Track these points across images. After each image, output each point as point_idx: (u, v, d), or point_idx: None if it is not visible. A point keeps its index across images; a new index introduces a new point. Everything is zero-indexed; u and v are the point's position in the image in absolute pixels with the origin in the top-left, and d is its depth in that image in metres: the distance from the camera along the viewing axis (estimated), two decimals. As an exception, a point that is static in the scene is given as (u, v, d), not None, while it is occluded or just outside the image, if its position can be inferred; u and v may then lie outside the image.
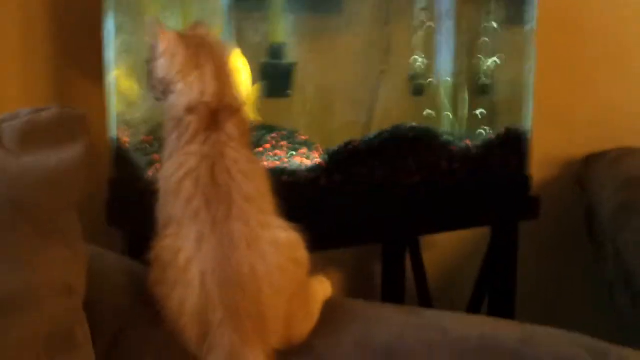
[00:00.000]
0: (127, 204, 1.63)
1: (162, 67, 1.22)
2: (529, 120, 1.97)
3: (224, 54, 1.29)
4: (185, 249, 1.08)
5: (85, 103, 1.78)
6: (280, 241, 1.11)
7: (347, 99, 1.93)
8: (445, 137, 1.87)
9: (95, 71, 1.67)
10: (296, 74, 1.82)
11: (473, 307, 2.08)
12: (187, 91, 1.21)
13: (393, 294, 1.96)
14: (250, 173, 1.16)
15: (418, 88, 2.00)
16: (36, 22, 1.77)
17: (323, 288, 1.25)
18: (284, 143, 1.82)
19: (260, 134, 1.77)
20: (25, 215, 1.01)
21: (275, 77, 1.79)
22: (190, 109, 1.19)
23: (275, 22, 1.82)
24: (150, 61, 1.25)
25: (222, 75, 1.24)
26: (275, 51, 1.82)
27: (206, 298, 1.07)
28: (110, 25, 1.63)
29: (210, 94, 1.20)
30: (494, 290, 2.03)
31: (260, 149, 1.73)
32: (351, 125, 1.93)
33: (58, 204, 1.07)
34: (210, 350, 1.06)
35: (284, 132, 1.85)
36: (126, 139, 1.66)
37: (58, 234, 1.05)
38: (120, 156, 1.65)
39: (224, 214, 1.09)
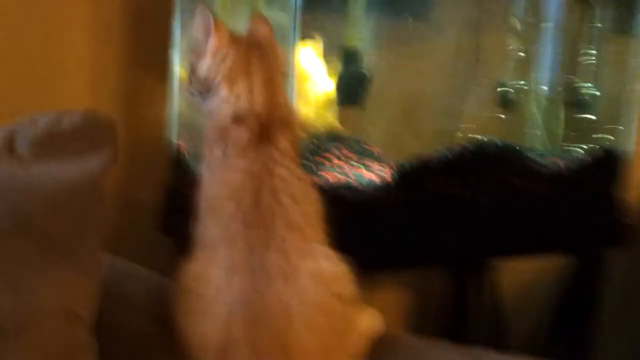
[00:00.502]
0: (181, 212, 1.54)
1: (208, 66, 1.10)
2: (631, 141, 1.76)
3: (278, 59, 1.15)
4: (215, 278, 0.98)
5: (150, 105, 1.70)
6: (323, 274, 0.99)
7: (429, 110, 1.79)
8: (531, 155, 1.69)
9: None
10: (372, 82, 1.68)
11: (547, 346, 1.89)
12: (233, 99, 1.08)
13: (459, 323, 1.80)
14: (299, 195, 1.04)
15: (507, 99, 1.82)
16: (106, 20, 1.69)
17: (371, 322, 1.11)
18: (351, 155, 1.70)
19: (326, 144, 1.66)
20: (28, 232, 0.91)
21: (348, 85, 1.65)
22: (238, 120, 1.07)
23: (352, 26, 1.69)
24: (195, 55, 1.13)
25: (274, 84, 1.11)
26: (350, 57, 1.68)
27: (231, 334, 0.95)
28: (177, 26, 1.53)
29: (261, 104, 1.08)
30: (572, 328, 1.84)
31: (324, 161, 1.61)
32: (431, 137, 1.79)
33: (69, 222, 0.96)
34: None
35: (352, 144, 1.71)
36: (184, 145, 1.56)
37: (67, 255, 0.94)
38: (178, 163, 1.55)
39: (262, 243, 0.98)
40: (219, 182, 1.05)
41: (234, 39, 1.12)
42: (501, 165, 1.63)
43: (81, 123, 1.01)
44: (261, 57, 1.11)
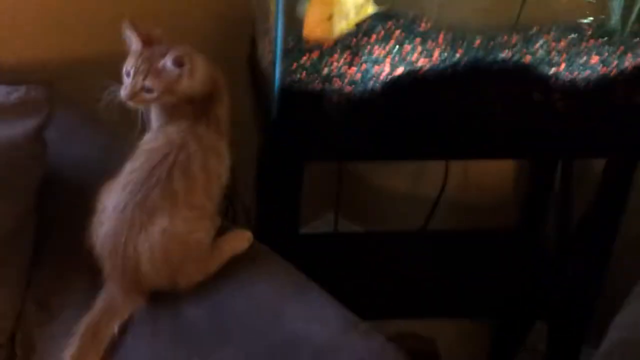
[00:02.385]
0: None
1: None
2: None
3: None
4: (106, 209, 1.25)
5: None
6: (174, 231, 1.22)
7: None
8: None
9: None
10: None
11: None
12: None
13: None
14: (196, 171, 1.25)
15: None
16: None
17: (234, 243, 1.34)
18: (397, 33, 1.78)
19: (372, 24, 1.69)
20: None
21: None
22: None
23: None
24: None
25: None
26: None
27: (103, 253, 1.27)
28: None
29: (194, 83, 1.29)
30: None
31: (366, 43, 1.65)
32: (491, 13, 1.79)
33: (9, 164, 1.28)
34: (102, 286, 1.30)
35: (402, 21, 1.74)
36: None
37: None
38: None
39: (138, 200, 1.22)
40: (152, 137, 1.29)
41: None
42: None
43: (24, 96, 1.33)
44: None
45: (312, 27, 1.48)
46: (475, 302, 2.05)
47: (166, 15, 1.81)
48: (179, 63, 1.22)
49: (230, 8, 1.89)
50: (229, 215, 2.06)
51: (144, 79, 1.22)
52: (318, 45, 1.57)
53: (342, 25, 1.54)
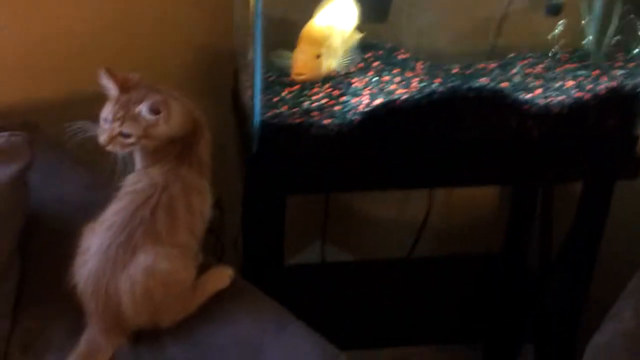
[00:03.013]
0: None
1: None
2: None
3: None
4: (91, 246, 1.25)
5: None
6: (156, 269, 1.22)
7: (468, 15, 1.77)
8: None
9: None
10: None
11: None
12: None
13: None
14: (180, 211, 1.26)
15: (554, 6, 1.72)
16: None
17: (215, 280, 1.34)
18: (375, 63, 1.79)
19: (354, 54, 1.70)
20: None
21: (375, 6, 1.71)
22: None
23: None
24: None
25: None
26: None
27: (85, 294, 1.27)
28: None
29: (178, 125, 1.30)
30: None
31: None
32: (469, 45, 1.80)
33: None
34: (85, 326, 1.29)
35: (381, 52, 1.77)
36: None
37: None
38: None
39: (121, 241, 1.22)
40: (135, 178, 1.29)
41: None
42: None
43: (6, 143, 1.32)
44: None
45: (301, 66, 1.50)
46: (462, 327, 2.05)
47: (151, 47, 1.81)
48: (154, 110, 1.22)
49: (215, 40, 1.90)
50: (217, 249, 2.06)
51: (120, 125, 1.23)
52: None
53: (331, 63, 1.56)
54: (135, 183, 1.28)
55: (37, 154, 1.45)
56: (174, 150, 1.29)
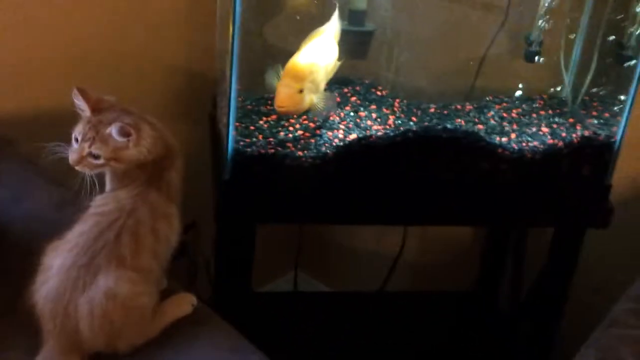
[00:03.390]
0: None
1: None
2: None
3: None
4: (52, 266, 1.24)
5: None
6: (117, 292, 1.21)
7: (448, 59, 1.79)
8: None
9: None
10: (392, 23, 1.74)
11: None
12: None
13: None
14: (146, 236, 1.25)
15: (532, 53, 1.74)
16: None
17: (177, 307, 1.34)
18: (353, 98, 1.80)
19: (332, 89, 1.73)
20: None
21: (355, 44, 1.73)
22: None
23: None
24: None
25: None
26: (355, 17, 1.74)
27: (43, 313, 1.25)
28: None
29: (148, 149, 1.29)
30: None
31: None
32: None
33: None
34: (42, 345, 1.27)
35: (359, 87, 1.79)
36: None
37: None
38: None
39: (83, 262, 1.21)
40: (102, 201, 1.28)
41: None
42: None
43: None
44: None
45: (284, 99, 1.52)
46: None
47: (133, 69, 1.82)
48: (124, 133, 1.22)
49: (196, 65, 1.91)
50: (191, 272, 2.05)
51: (90, 146, 1.23)
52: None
53: (312, 97, 1.57)
54: (102, 205, 1.27)
55: (9, 170, 1.44)
56: (143, 175, 1.28)
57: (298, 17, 1.71)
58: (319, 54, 1.58)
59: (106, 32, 1.75)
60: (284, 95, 1.52)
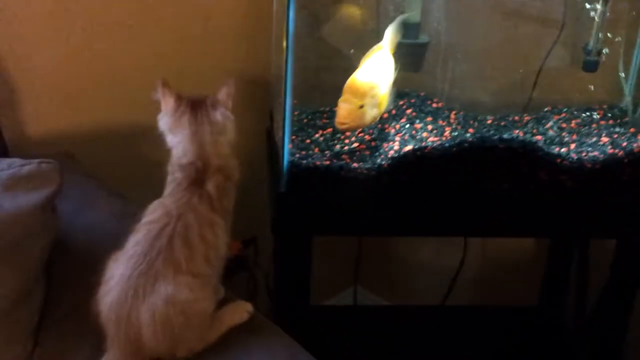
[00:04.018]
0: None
1: (161, 122, 1.40)
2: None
3: (215, 116, 1.39)
4: (114, 276, 1.28)
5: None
6: (177, 299, 1.24)
7: (505, 70, 1.78)
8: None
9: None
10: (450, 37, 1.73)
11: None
12: (176, 148, 1.37)
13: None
14: (195, 240, 1.28)
15: (591, 62, 1.72)
16: None
17: (233, 315, 1.36)
18: (409, 111, 1.80)
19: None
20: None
21: (409, 56, 1.72)
22: (181, 165, 1.35)
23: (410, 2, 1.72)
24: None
25: (208, 137, 1.37)
26: (409, 30, 1.73)
27: (109, 321, 1.29)
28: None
29: (194, 154, 1.35)
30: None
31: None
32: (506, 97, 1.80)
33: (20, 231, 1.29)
34: (106, 351, 1.30)
35: (414, 100, 1.79)
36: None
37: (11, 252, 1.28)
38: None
39: (142, 270, 1.25)
40: (151, 209, 1.32)
41: (178, 101, 1.38)
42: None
43: (36, 169, 1.34)
44: (197, 115, 1.37)
45: (344, 115, 1.52)
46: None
47: (190, 86, 1.85)
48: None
49: (254, 80, 1.94)
50: (250, 286, 2.07)
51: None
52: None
53: (374, 113, 1.58)
54: (151, 213, 1.31)
55: (72, 183, 1.49)
56: (185, 182, 1.33)
57: (351, 31, 1.71)
58: (378, 69, 1.58)
59: (166, 52, 1.80)
60: (344, 111, 1.52)
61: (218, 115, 1.34)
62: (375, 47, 1.60)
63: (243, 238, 2.11)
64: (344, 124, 1.52)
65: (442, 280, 2.20)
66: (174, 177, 1.35)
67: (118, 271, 1.26)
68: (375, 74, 1.56)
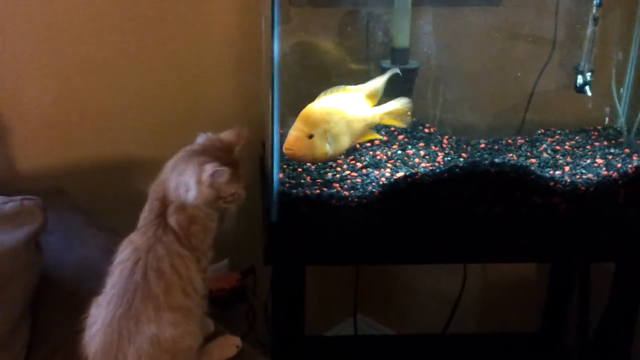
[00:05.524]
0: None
1: None
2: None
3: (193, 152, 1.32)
4: (96, 324, 1.26)
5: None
6: (161, 337, 1.23)
7: (496, 94, 1.77)
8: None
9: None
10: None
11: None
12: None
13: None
14: (168, 271, 1.25)
15: (582, 84, 1.70)
16: None
17: (221, 349, 1.34)
18: (400, 137, 1.79)
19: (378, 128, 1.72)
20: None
21: (399, 82, 1.68)
22: (153, 192, 1.31)
23: (398, 28, 1.73)
24: None
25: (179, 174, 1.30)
26: (398, 55, 1.74)
27: None
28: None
29: (162, 185, 1.29)
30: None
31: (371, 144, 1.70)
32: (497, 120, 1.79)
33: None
34: None
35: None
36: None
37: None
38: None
39: (123, 311, 1.23)
40: (122, 247, 1.28)
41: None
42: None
43: (19, 206, 1.34)
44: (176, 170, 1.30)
45: (291, 141, 1.50)
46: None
47: (184, 119, 1.86)
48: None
49: (246, 111, 1.93)
50: (249, 317, 2.05)
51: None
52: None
53: (326, 148, 1.55)
54: (121, 252, 1.28)
55: (61, 218, 1.48)
56: (150, 216, 1.29)
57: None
58: (340, 106, 1.56)
59: (157, 88, 1.80)
60: (292, 138, 1.50)
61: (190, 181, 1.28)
62: (353, 88, 1.58)
63: (241, 269, 2.09)
64: (289, 149, 1.50)
65: (444, 306, 2.17)
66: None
67: (100, 315, 1.24)
68: (335, 110, 1.54)
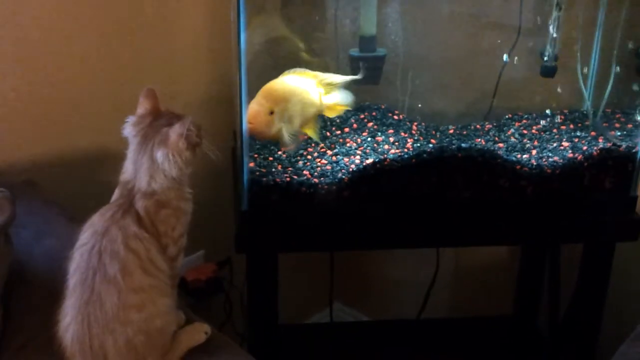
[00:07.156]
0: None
1: (125, 127, 1.33)
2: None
3: (156, 154, 1.29)
4: (68, 314, 1.26)
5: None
6: (128, 320, 1.23)
7: (464, 80, 1.77)
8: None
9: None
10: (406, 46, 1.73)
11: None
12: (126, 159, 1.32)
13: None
14: (123, 253, 1.24)
15: (548, 68, 1.71)
16: None
17: (191, 336, 1.35)
18: (370, 124, 1.79)
19: (348, 115, 1.74)
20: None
21: (367, 69, 1.70)
22: (120, 181, 1.31)
23: (366, 16, 1.73)
24: None
25: (142, 165, 1.30)
26: (365, 43, 1.74)
27: (73, 354, 1.25)
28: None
29: (128, 174, 1.30)
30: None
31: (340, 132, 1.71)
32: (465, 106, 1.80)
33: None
34: None
35: (375, 113, 1.77)
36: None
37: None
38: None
39: (87, 297, 1.23)
40: (85, 229, 1.27)
41: (143, 117, 1.31)
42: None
43: None
44: (146, 143, 1.29)
45: (252, 115, 1.50)
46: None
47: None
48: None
49: (217, 101, 1.93)
50: (226, 306, 2.06)
51: None
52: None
53: (281, 127, 1.55)
54: (82, 233, 1.27)
55: (32, 210, 1.47)
56: (117, 197, 1.30)
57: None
58: (299, 87, 1.57)
59: (129, 75, 1.79)
60: (252, 111, 1.50)
61: (159, 155, 1.27)
62: (313, 73, 1.59)
63: (217, 260, 2.10)
64: (250, 123, 1.50)
65: (419, 292, 2.18)
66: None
67: (69, 304, 1.24)
68: (296, 90, 1.56)
